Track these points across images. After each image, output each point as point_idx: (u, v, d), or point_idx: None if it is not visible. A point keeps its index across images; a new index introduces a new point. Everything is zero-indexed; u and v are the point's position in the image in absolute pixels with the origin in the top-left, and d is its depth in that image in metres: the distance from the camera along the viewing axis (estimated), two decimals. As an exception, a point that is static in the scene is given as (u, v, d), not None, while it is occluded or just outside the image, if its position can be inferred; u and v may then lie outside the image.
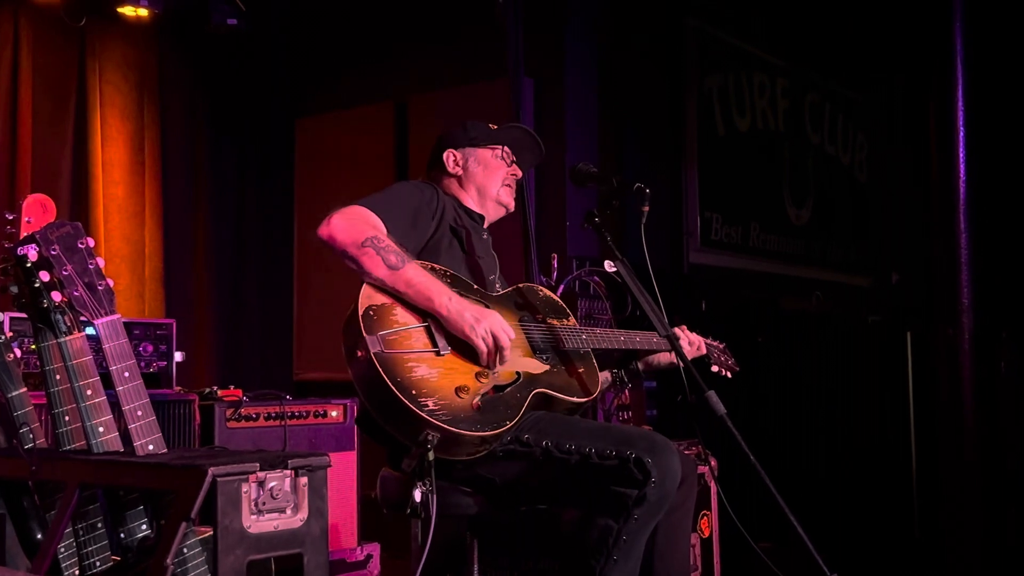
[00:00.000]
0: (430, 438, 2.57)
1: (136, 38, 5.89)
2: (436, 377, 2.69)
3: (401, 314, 2.77)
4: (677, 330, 3.28)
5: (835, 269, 7.74)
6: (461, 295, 2.85)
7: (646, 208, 2.94)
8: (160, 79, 6.03)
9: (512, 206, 3.26)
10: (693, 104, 6.43)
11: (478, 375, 2.78)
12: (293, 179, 6.58)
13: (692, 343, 3.33)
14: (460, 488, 2.87)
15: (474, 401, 2.69)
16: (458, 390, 2.69)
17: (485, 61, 5.60)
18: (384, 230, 2.83)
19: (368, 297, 2.75)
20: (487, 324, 2.78)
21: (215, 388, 4.29)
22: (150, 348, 4.21)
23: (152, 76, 6.00)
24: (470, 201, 3.22)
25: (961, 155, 4.75)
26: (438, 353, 2.75)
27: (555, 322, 3.08)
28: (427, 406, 2.60)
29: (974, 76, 4.83)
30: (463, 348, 2.80)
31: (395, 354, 2.66)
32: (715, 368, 3.42)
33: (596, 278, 4.72)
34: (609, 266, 2.98)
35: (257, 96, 6.44)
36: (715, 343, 3.52)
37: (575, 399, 2.95)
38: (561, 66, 5.55)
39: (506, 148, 3.24)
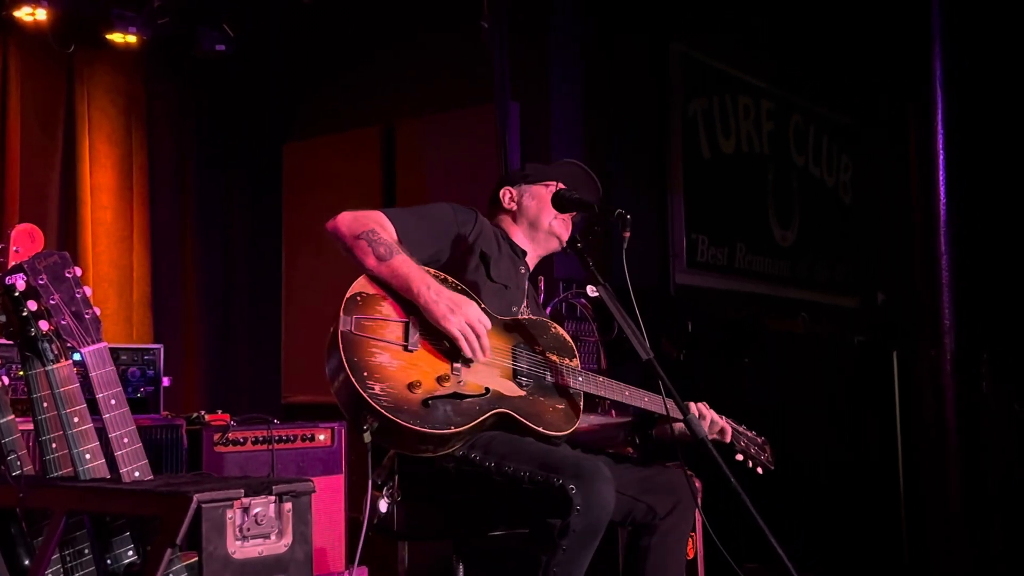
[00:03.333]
0: (369, 422, 2.62)
1: (124, 64, 5.93)
2: (394, 368, 2.73)
3: (386, 307, 2.82)
4: (700, 407, 3.18)
5: (821, 290, 7.78)
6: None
7: (627, 234, 2.96)
8: (148, 105, 6.08)
9: (565, 239, 3.26)
10: (678, 127, 6.48)
11: (440, 379, 2.79)
12: (281, 203, 6.61)
13: (715, 423, 3.21)
14: (428, 510, 2.91)
15: (424, 399, 2.71)
16: (411, 385, 2.72)
17: (471, 86, 5.65)
18: (391, 231, 2.91)
19: (361, 285, 2.82)
20: (462, 314, 2.80)
21: (203, 413, 4.30)
22: (137, 373, 4.23)
23: (140, 102, 6.04)
24: (519, 236, 3.27)
25: (941, 177, 4.80)
26: (406, 348, 2.79)
27: (554, 358, 3.05)
28: (372, 389, 2.64)
29: (954, 99, 4.89)
30: (433, 350, 2.83)
31: (362, 337, 2.71)
32: (739, 457, 3.26)
33: (583, 300, 4.74)
34: (592, 291, 3.00)
35: (245, 120, 6.48)
36: (750, 433, 3.38)
37: (541, 429, 2.90)
38: (547, 90, 5.60)
39: (560, 184, 3.27)
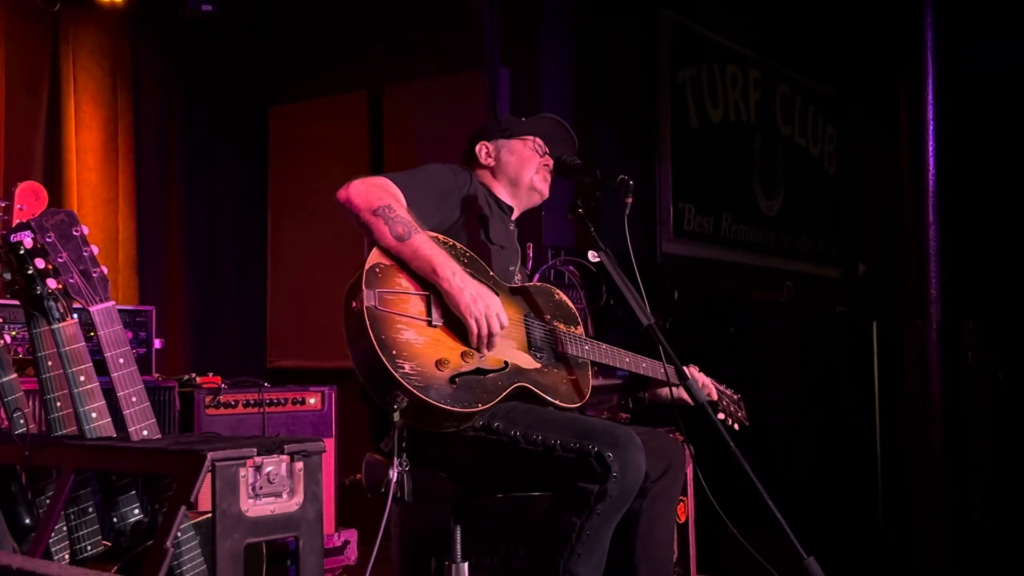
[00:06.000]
0: (399, 400, 2.61)
1: (110, 24, 5.86)
2: (421, 344, 2.72)
3: (405, 279, 2.81)
4: (691, 370, 3.26)
5: (804, 260, 7.83)
6: (472, 276, 2.88)
7: (629, 199, 2.95)
8: (134, 66, 6.01)
9: (546, 192, 3.27)
10: (667, 95, 6.47)
11: (464, 354, 2.79)
12: (267, 167, 6.58)
13: (705, 386, 3.32)
14: (437, 474, 2.89)
15: (451, 377, 2.72)
16: (439, 362, 2.72)
17: (461, 51, 5.63)
18: (403, 202, 2.87)
19: (377, 256, 2.79)
20: (483, 305, 2.79)
21: (193, 375, 4.31)
22: (129, 335, 4.21)
23: (126, 63, 5.97)
24: (502, 192, 3.25)
25: (931, 147, 4.83)
26: (430, 323, 2.78)
27: (561, 326, 3.09)
28: (403, 368, 2.63)
29: (944, 69, 4.91)
30: (456, 325, 2.82)
31: (387, 313, 2.70)
32: (721, 416, 3.36)
33: (571, 268, 4.75)
34: (593, 256, 3.01)
35: (231, 83, 6.43)
36: (728, 392, 3.50)
37: (557, 401, 2.94)
38: (537, 56, 5.57)
39: (538, 139, 3.26)
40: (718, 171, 6.92)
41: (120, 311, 4.25)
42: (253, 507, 2.04)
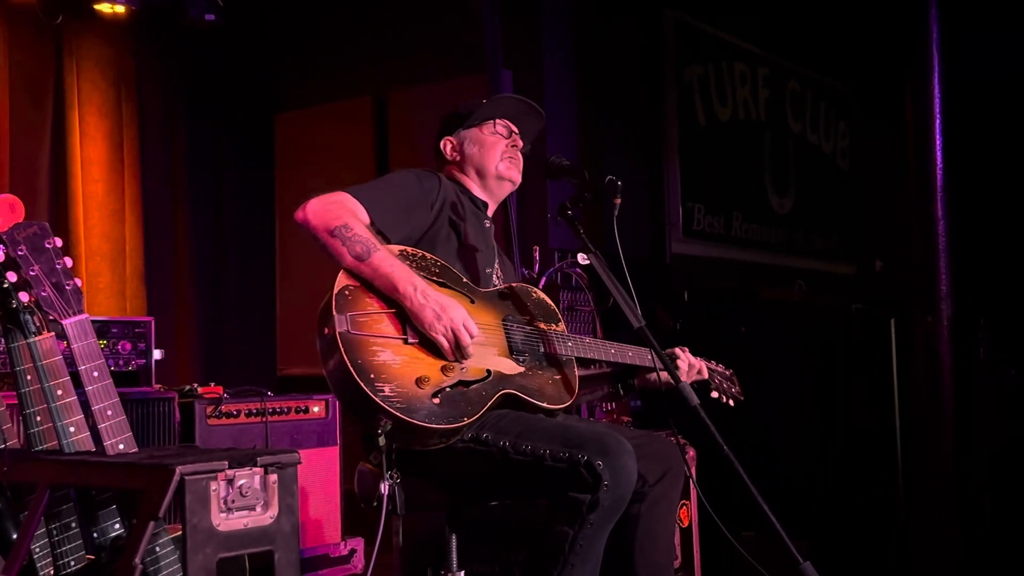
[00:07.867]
0: (383, 424, 2.56)
1: (113, 35, 5.87)
2: (399, 364, 2.66)
3: (376, 298, 2.74)
4: (678, 350, 3.21)
5: (818, 258, 7.75)
6: (441, 285, 2.83)
7: (618, 200, 2.91)
8: (138, 76, 6.02)
9: (517, 179, 3.17)
10: (673, 95, 6.42)
11: (444, 368, 2.73)
12: (273, 174, 6.57)
13: (692, 366, 3.24)
14: (428, 484, 2.85)
15: (434, 393, 2.66)
16: (419, 380, 2.66)
17: (464, 55, 5.61)
18: (364, 218, 2.80)
19: (347, 277, 2.73)
20: (448, 319, 2.72)
21: (195, 385, 4.29)
22: (128, 346, 4.20)
23: (130, 73, 5.98)
24: (473, 186, 3.17)
25: (938, 142, 4.77)
26: (406, 341, 2.72)
27: (542, 325, 3.03)
28: (383, 392, 2.57)
29: (950, 64, 4.85)
30: (432, 339, 2.77)
31: (361, 336, 2.64)
32: (715, 394, 3.30)
33: (578, 270, 4.72)
34: (582, 259, 2.96)
35: (235, 91, 6.43)
36: (720, 368, 3.42)
37: (545, 404, 2.89)
38: (539, 58, 5.55)
39: (500, 121, 3.16)
40: (728, 170, 6.86)
41: (120, 322, 4.30)
42: (225, 521, 2.01)
